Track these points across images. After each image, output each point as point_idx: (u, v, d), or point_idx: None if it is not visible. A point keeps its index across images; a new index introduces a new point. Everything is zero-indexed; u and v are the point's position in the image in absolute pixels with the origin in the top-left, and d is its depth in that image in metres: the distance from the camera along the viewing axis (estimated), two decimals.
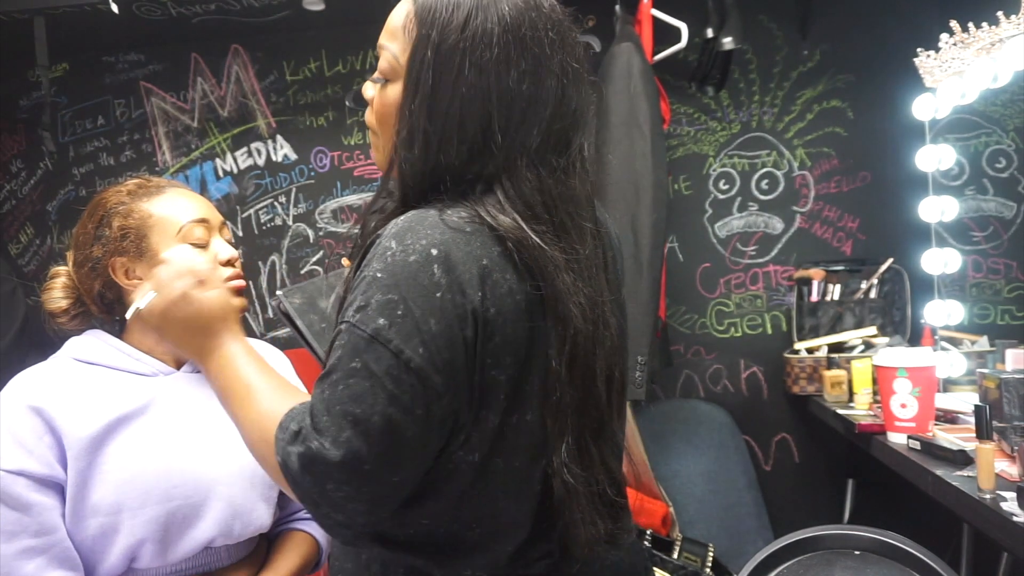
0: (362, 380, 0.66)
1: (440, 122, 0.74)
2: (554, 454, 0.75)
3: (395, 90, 0.78)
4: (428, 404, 0.67)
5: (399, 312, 0.67)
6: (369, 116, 0.85)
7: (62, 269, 1.14)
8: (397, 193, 0.78)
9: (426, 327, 0.67)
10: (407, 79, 0.76)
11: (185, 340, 0.86)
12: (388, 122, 0.80)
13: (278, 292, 1.01)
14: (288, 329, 2.78)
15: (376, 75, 0.82)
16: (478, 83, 0.73)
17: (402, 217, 0.73)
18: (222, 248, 1.09)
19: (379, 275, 0.69)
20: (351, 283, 0.72)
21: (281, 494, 1.17)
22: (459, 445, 0.73)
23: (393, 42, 0.80)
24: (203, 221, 1.08)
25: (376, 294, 0.68)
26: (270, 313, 2.60)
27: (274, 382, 0.79)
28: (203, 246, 1.07)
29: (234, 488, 1.06)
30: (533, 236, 0.72)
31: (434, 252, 0.69)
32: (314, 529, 1.20)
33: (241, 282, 1.09)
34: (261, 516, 1.09)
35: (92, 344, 1.09)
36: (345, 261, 1.04)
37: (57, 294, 1.12)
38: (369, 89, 0.84)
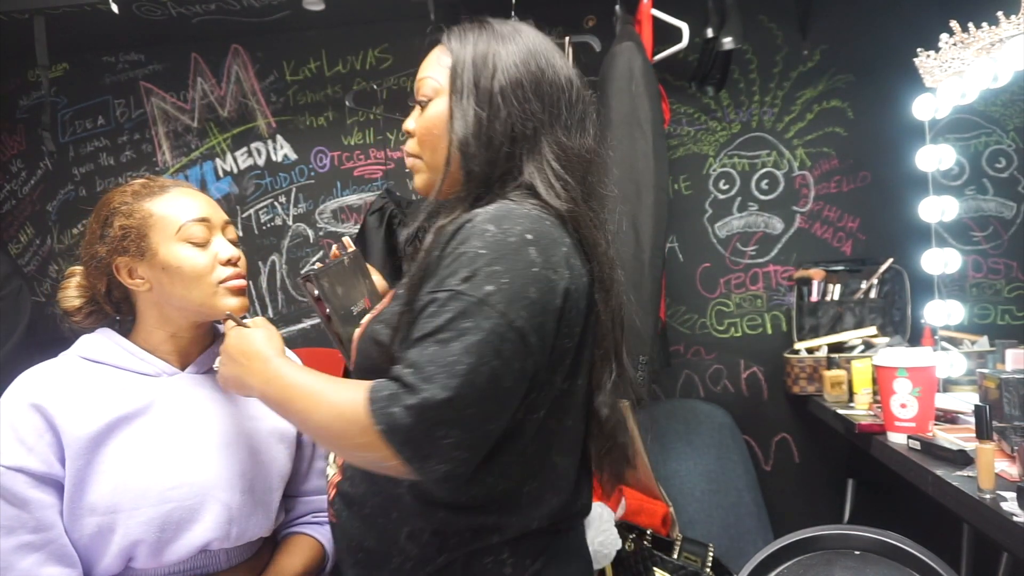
0: (472, 336, 0.76)
1: (485, 110, 0.91)
2: (599, 391, 0.94)
3: (439, 104, 0.95)
4: (524, 360, 0.80)
5: (504, 281, 0.79)
6: (411, 145, 1.00)
7: (77, 268, 1.15)
8: (462, 191, 0.92)
9: (526, 294, 0.80)
10: (452, 87, 0.94)
11: (241, 387, 0.96)
12: (434, 133, 0.96)
13: (310, 271, 1.03)
14: (287, 330, 2.77)
15: (419, 98, 0.98)
16: (510, 73, 0.93)
17: (491, 207, 0.86)
18: (222, 247, 1.08)
19: (481, 251, 0.81)
20: (432, 261, 0.84)
21: (283, 498, 1.16)
22: (524, 405, 0.83)
23: (431, 70, 0.97)
24: (204, 220, 1.08)
25: (482, 267, 0.80)
26: (270, 313, 2.60)
27: (327, 377, 0.86)
28: (203, 245, 1.07)
29: (232, 492, 1.05)
30: (584, 211, 0.92)
31: (529, 236, 0.83)
32: (319, 534, 1.19)
33: (239, 282, 1.08)
34: (260, 521, 1.09)
35: (99, 343, 1.09)
36: (337, 250, 1.07)
37: (71, 293, 1.13)
38: (410, 122, 1.00)
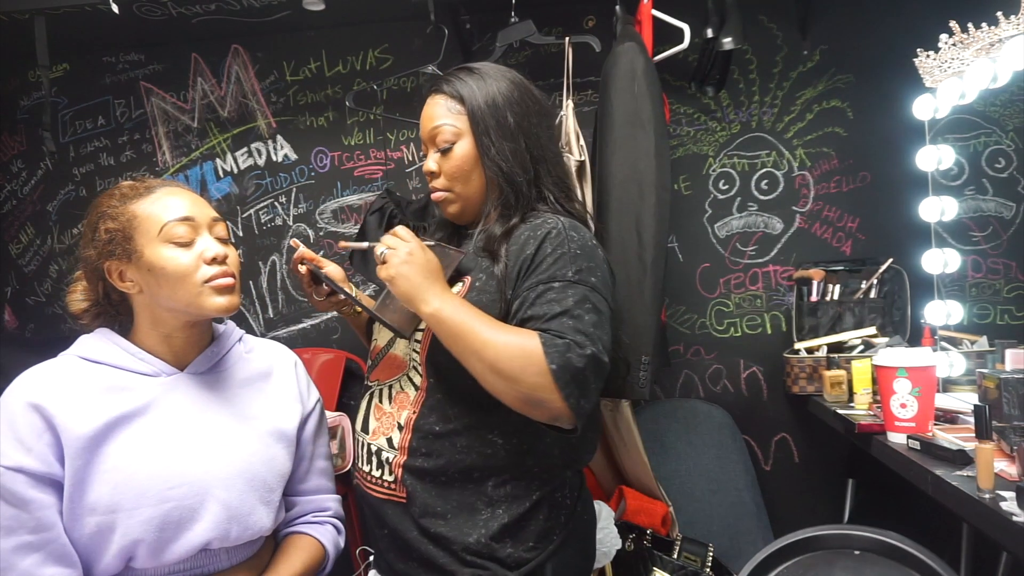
0: (594, 314, 1.01)
1: (512, 139, 1.13)
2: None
3: (463, 146, 1.15)
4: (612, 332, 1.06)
5: (598, 274, 1.06)
6: (441, 182, 1.18)
7: (81, 272, 1.15)
8: (505, 201, 1.14)
9: (608, 282, 1.08)
10: (475, 129, 1.14)
11: (413, 297, 1.04)
12: (464, 169, 1.15)
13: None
14: (287, 329, 2.78)
15: (441, 145, 1.15)
16: (517, 108, 1.15)
17: (561, 219, 1.10)
18: (208, 246, 1.07)
19: (578, 252, 1.06)
20: (525, 259, 1.06)
21: (284, 497, 1.17)
22: None
23: (445, 119, 1.15)
24: (187, 219, 1.06)
25: (582, 263, 1.05)
26: (270, 313, 2.60)
27: (495, 320, 1.03)
28: (187, 245, 1.06)
29: (231, 491, 1.05)
30: (584, 211, 1.21)
31: (593, 242, 1.11)
32: (320, 533, 1.19)
33: (226, 280, 1.07)
34: (260, 520, 1.08)
35: (98, 343, 1.09)
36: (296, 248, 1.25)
37: (78, 296, 1.14)
38: (432, 164, 1.17)
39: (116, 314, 1.13)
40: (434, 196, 1.20)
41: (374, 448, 1.15)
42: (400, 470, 1.11)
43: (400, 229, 1.09)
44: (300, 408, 1.21)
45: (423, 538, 1.08)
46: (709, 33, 2.03)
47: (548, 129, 1.19)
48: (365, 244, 1.20)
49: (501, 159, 1.12)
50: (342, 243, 1.24)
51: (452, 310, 1.01)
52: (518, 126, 1.14)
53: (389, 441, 1.13)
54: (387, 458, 1.12)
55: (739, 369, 2.37)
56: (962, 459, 1.29)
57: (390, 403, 1.16)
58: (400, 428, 1.12)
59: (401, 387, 1.15)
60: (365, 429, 1.19)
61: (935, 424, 1.52)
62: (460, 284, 1.13)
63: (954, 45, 1.69)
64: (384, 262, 1.06)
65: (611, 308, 1.06)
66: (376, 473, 1.14)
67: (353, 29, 2.51)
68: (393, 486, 1.11)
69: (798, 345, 2.16)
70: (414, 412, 1.11)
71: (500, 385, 0.98)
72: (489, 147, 1.13)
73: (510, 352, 0.97)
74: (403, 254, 1.05)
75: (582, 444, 1.15)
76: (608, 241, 1.73)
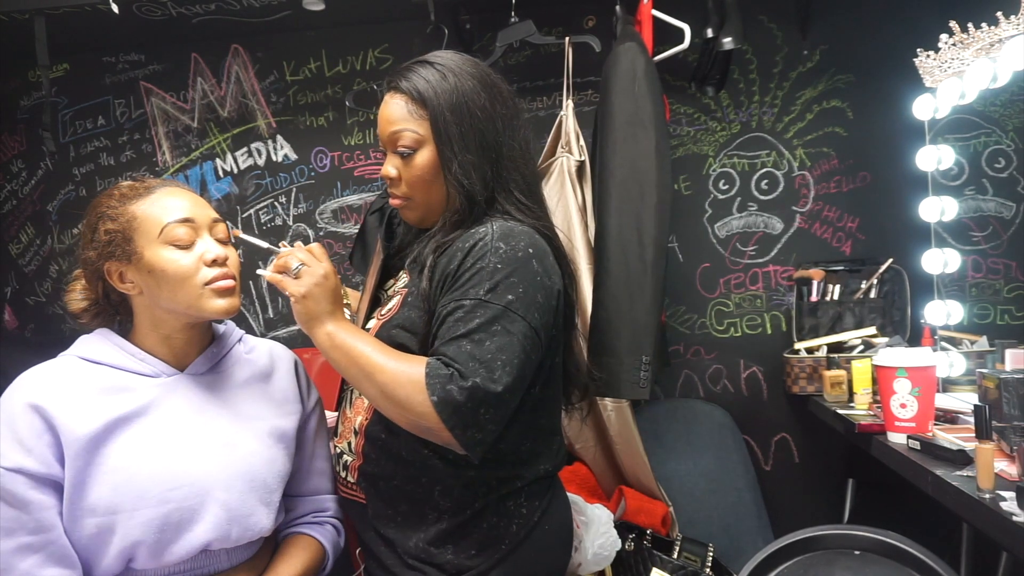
0: (502, 337, 0.95)
1: (476, 151, 1.07)
2: (569, 356, 1.19)
3: (425, 155, 1.08)
4: (537, 352, 1.00)
5: (520, 291, 0.98)
6: (401, 188, 1.12)
7: (80, 271, 1.15)
8: (461, 215, 1.07)
9: (536, 300, 0.99)
10: (438, 139, 1.06)
11: (311, 322, 1.05)
12: (425, 179, 1.09)
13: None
14: (287, 329, 2.78)
15: (401, 150, 1.09)
16: (484, 112, 1.07)
17: (494, 226, 1.03)
18: (208, 248, 1.07)
19: (498, 266, 0.99)
20: (449, 274, 1.01)
21: (284, 498, 1.17)
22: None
23: (406, 124, 1.08)
24: (187, 221, 1.06)
25: (500, 278, 0.98)
26: (270, 313, 2.60)
27: (388, 348, 1.02)
28: (187, 246, 1.06)
29: (232, 492, 1.05)
30: (547, 222, 1.12)
31: (531, 251, 1.02)
32: (320, 534, 1.19)
33: (227, 283, 1.07)
34: (260, 521, 1.08)
35: (97, 343, 1.09)
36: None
37: (76, 296, 1.14)
38: (392, 169, 1.12)
39: (116, 314, 1.13)
40: (392, 202, 1.16)
41: (338, 451, 1.20)
42: (356, 473, 1.14)
43: (315, 247, 1.08)
44: (300, 408, 1.21)
45: (377, 539, 1.11)
46: (709, 33, 2.03)
47: (512, 131, 1.11)
48: (264, 244, 1.17)
49: (463, 173, 1.06)
50: (236, 231, 1.17)
51: (345, 335, 1.02)
52: (482, 134, 1.07)
53: (349, 445, 1.17)
54: (346, 461, 1.17)
55: (739, 369, 2.37)
56: (962, 459, 1.29)
57: (351, 408, 1.19)
58: (356, 433, 1.15)
59: (360, 393, 1.15)
60: (335, 433, 1.24)
61: (935, 424, 1.52)
62: (397, 297, 1.13)
63: (954, 45, 1.69)
64: (298, 276, 1.05)
65: (537, 327, 0.99)
66: (343, 475, 1.19)
67: (353, 29, 2.51)
68: (354, 488, 1.15)
69: (798, 345, 2.16)
70: (366, 418, 1.13)
71: (391, 411, 0.98)
72: (451, 160, 1.06)
73: (398, 379, 0.95)
74: (318, 275, 1.04)
75: (542, 454, 1.13)
76: (608, 241, 1.73)
